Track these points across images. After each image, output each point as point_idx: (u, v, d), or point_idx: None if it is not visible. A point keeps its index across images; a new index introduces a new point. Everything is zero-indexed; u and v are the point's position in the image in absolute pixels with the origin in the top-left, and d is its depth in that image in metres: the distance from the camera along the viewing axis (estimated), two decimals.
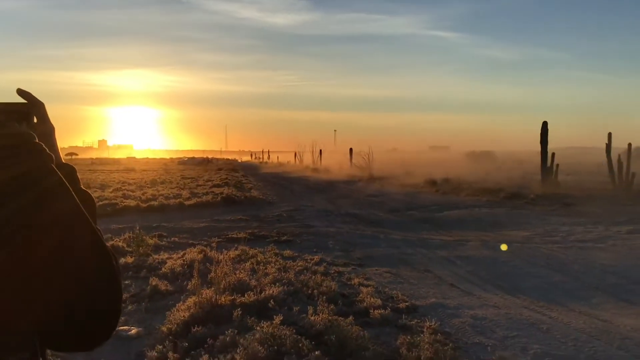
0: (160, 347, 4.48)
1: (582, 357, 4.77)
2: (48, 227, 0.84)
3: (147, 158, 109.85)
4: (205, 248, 9.24)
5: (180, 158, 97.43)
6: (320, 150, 59.04)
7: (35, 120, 1.01)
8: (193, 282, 6.34)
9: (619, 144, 23.77)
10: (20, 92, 1.00)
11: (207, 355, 4.09)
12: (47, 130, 1.01)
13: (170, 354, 4.18)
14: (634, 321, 5.93)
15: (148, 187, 23.84)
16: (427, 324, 5.36)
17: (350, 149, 49.30)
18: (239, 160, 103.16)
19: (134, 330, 5.23)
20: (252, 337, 4.42)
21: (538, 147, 24.61)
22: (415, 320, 5.64)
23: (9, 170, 0.82)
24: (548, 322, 5.77)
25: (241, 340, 4.37)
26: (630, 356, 4.80)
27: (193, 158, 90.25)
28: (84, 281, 0.88)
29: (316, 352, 4.20)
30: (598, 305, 6.60)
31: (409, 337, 4.95)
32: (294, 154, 69.85)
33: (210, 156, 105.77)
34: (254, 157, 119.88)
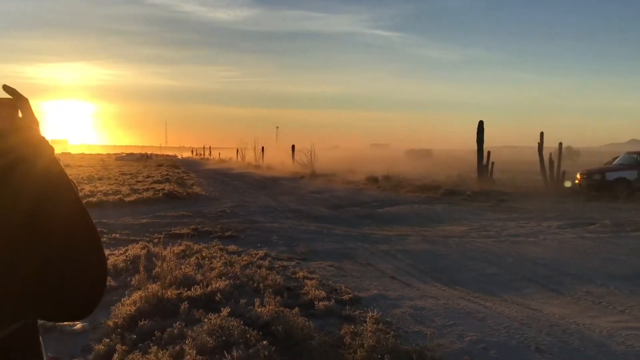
0: (108, 340, 4.49)
1: (514, 343, 5.08)
2: (42, 189, 0.94)
3: (83, 153, 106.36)
4: (148, 244, 9.17)
5: (118, 154, 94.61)
6: (263, 147, 58.89)
7: (20, 114, 1.10)
8: (138, 277, 6.34)
9: (551, 144, 24.84)
10: (6, 88, 1.09)
11: (155, 347, 4.14)
12: (32, 124, 1.10)
13: (118, 346, 4.21)
14: (562, 310, 6.32)
15: (85, 183, 23.24)
16: (370, 314, 5.55)
17: (293, 146, 49.33)
18: (180, 157, 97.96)
19: (78, 325, 5.20)
20: (200, 329, 4.49)
21: (474, 146, 25.42)
22: (359, 311, 5.83)
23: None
24: (483, 312, 6.08)
25: (189, 332, 4.44)
26: (557, 341, 5.14)
27: (132, 154, 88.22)
28: (75, 248, 0.97)
29: (264, 342, 4.32)
30: (529, 295, 6.98)
31: (352, 326, 5.13)
32: (235, 150, 69.40)
33: (149, 152, 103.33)
34: (194, 153, 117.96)
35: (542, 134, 23.89)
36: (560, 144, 24.30)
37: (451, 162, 47.61)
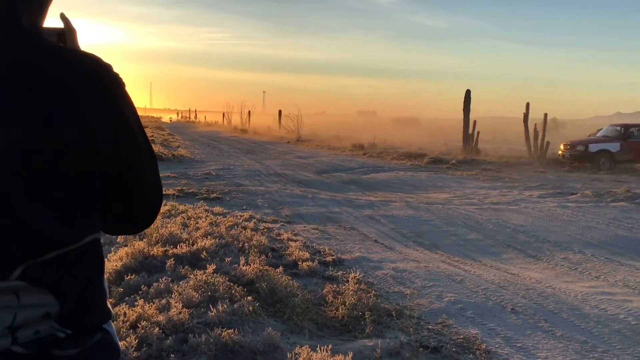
0: None
1: (490, 304, 5.24)
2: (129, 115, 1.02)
3: None
4: None
5: None
6: (249, 112, 58.59)
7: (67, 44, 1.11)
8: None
9: (537, 115, 25.04)
10: (62, 17, 1.10)
11: (142, 300, 4.23)
12: None
13: None
14: (539, 274, 6.50)
15: None
16: (352, 275, 5.69)
17: (279, 111, 49.17)
18: (169, 120, 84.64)
19: None
20: (186, 284, 4.58)
21: (461, 115, 25.52)
22: (341, 272, 5.96)
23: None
24: (462, 275, 6.24)
25: (175, 287, 4.53)
26: (532, 303, 5.31)
27: None
28: (142, 166, 1.06)
29: (248, 297, 4.42)
30: (508, 261, 7.16)
31: (335, 286, 5.26)
32: (222, 114, 68.91)
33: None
34: (180, 116, 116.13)
35: (527, 104, 24.06)
36: (546, 114, 24.49)
37: (438, 131, 47.78)
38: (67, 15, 1.07)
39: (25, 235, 0.90)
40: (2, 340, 0.92)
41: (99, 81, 0.97)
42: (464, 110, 25.26)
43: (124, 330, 3.75)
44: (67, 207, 0.94)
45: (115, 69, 1.00)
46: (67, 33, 1.10)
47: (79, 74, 0.95)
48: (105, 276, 3.78)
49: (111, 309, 1.11)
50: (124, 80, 1.01)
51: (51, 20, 1.10)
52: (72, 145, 0.91)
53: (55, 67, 0.93)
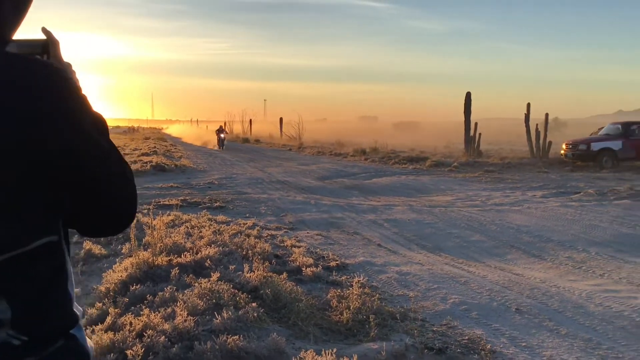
0: (100, 304, 4.60)
1: (495, 305, 5.25)
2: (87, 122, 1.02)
3: None
4: (137, 214, 9.22)
5: None
6: (250, 120, 58.75)
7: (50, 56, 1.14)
8: (128, 245, 6.43)
9: (539, 115, 25.04)
10: (44, 31, 1.13)
11: (147, 310, 4.25)
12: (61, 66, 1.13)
13: (111, 309, 4.32)
14: (543, 274, 6.51)
15: None
16: (356, 279, 5.71)
17: (281, 119, 49.33)
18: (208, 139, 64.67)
19: None
20: (191, 293, 4.61)
21: (462, 118, 25.55)
22: (345, 277, 5.97)
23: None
24: (466, 276, 6.25)
25: (180, 296, 4.55)
26: (537, 303, 5.32)
27: (118, 127, 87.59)
28: (113, 171, 1.07)
29: (253, 304, 4.45)
30: (512, 261, 7.16)
31: (339, 290, 5.27)
32: (223, 123, 69.07)
33: (136, 125, 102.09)
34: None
35: (528, 104, 24.07)
36: (547, 114, 24.51)
37: (439, 134, 47.79)
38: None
39: None
40: None
41: (49, 87, 0.96)
42: (464, 112, 25.30)
43: (130, 339, 3.77)
44: (12, 211, 0.92)
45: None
46: (50, 45, 1.14)
47: (29, 80, 0.94)
48: (111, 287, 3.79)
49: (79, 313, 1.07)
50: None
51: (34, 34, 1.09)
52: (20, 150, 0.90)
53: (6, 76, 0.93)
